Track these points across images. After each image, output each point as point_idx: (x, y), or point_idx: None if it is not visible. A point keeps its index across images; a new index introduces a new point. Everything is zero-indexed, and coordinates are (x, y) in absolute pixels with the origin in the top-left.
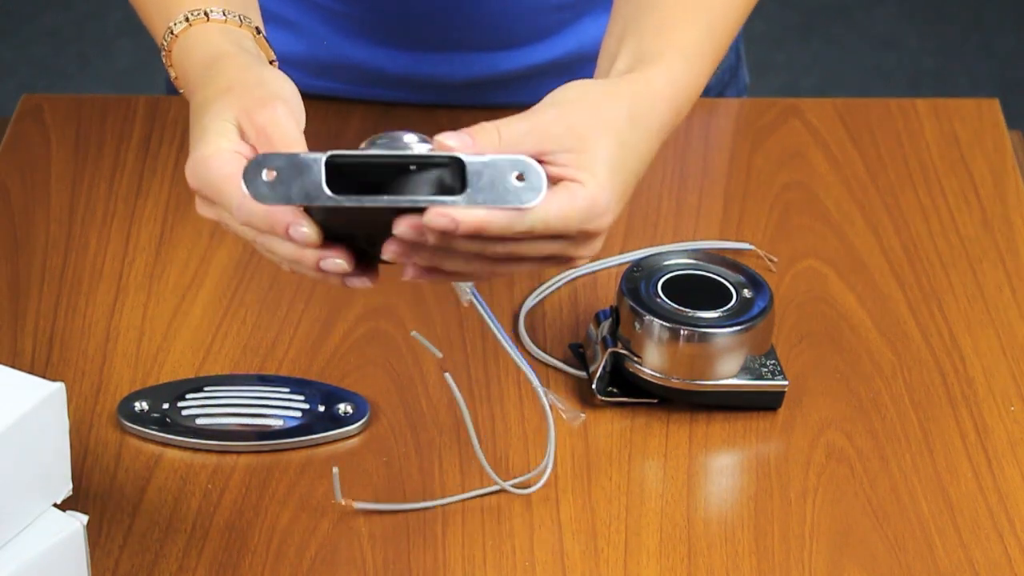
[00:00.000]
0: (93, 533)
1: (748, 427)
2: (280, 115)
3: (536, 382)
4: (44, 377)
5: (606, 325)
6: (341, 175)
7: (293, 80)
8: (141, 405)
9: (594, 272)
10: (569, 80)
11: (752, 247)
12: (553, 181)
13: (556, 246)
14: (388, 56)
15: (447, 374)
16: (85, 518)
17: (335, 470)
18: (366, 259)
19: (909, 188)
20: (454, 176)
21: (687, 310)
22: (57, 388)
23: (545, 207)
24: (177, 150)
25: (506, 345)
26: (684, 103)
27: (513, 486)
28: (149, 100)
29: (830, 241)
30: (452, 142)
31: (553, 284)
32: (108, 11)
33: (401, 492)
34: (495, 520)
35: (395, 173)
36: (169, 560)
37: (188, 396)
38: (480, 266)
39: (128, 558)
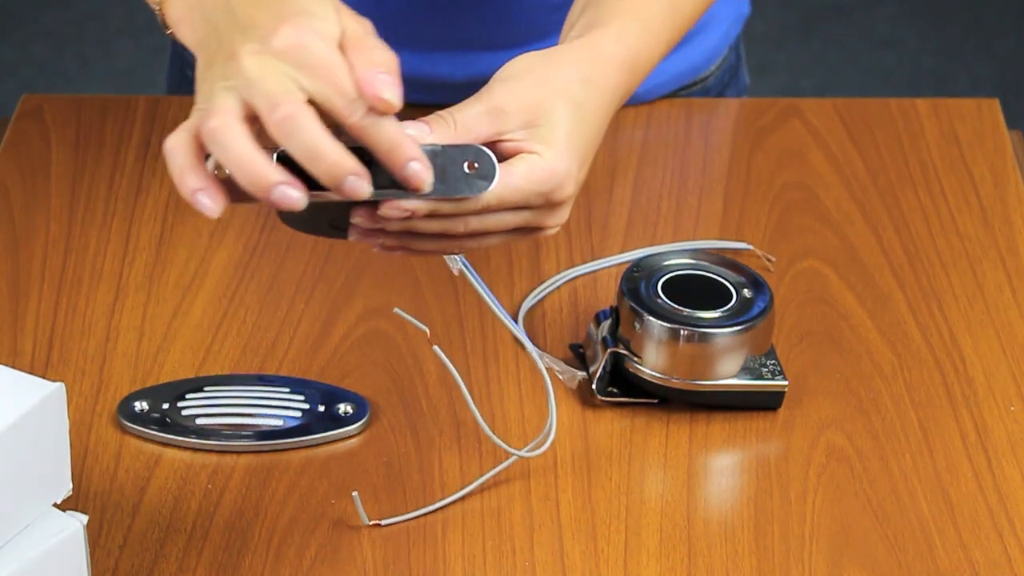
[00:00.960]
0: (93, 533)
1: (748, 427)
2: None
3: (530, 346)
4: (44, 377)
5: (606, 325)
6: (293, 168)
7: None
8: (141, 405)
9: (594, 272)
10: None
11: (751, 247)
12: (511, 154)
13: (521, 217)
14: None
15: (436, 347)
16: (85, 518)
17: (355, 495)
18: (341, 225)
19: (909, 188)
20: None
21: (687, 310)
22: (57, 388)
23: (502, 182)
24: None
25: (498, 312)
26: (639, 66)
27: (527, 452)
28: (149, 100)
29: (830, 241)
30: (410, 131)
31: (553, 284)
32: (108, 11)
33: (401, 492)
34: (495, 520)
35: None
36: (169, 560)
37: (188, 396)
38: (447, 243)
39: (128, 558)
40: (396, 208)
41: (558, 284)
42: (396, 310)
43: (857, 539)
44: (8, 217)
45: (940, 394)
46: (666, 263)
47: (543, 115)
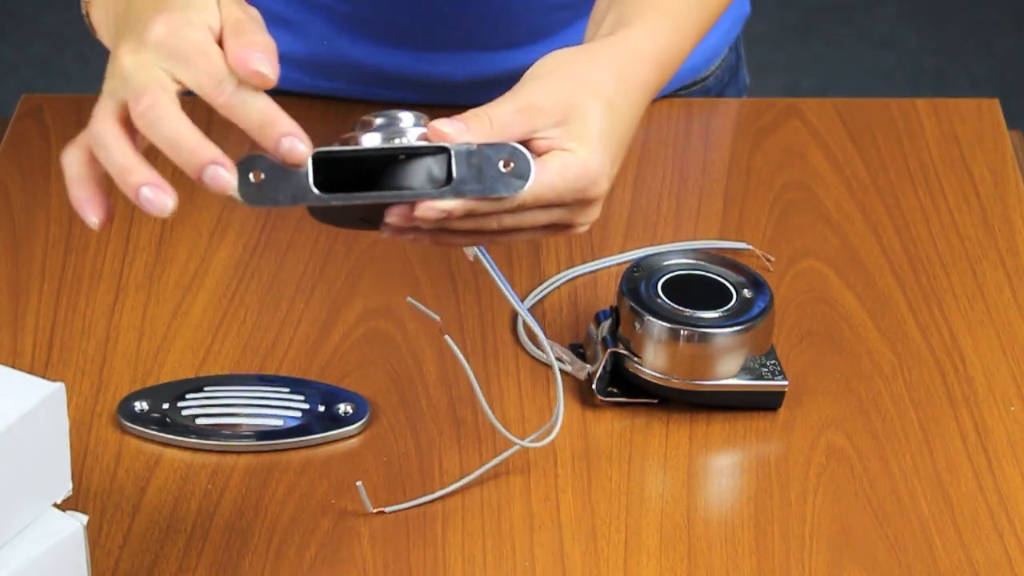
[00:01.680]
0: (93, 533)
1: (748, 427)
2: (256, 14)
3: (542, 335)
4: (44, 377)
5: (606, 325)
6: (329, 168)
7: (294, 80)
8: (141, 405)
9: (594, 272)
10: None
11: (750, 247)
12: (544, 152)
13: (554, 215)
14: (388, 56)
15: (447, 336)
16: (85, 518)
17: (359, 484)
18: (372, 220)
19: (909, 188)
20: (442, 164)
21: (687, 310)
22: (57, 388)
23: (536, 180)
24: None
25: (511, 298)
26: (669, 62)
27: (530, 441)
28: None
29: (830, 241)
30: (447, 129)
31: (553, 284)
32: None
33: (401, 492)
34: (495, 520)
35: (384, 162)
36: (169, 560)
37: (188, 396)
38: (479, 238)
39: (128, 558)
40: (433, 210)
41: (558, 284)
42: (409, 299)
43: (857, 539)
44: (8, 217)
45: (940, 394)
46: (666, 263)
47: (576, 113)
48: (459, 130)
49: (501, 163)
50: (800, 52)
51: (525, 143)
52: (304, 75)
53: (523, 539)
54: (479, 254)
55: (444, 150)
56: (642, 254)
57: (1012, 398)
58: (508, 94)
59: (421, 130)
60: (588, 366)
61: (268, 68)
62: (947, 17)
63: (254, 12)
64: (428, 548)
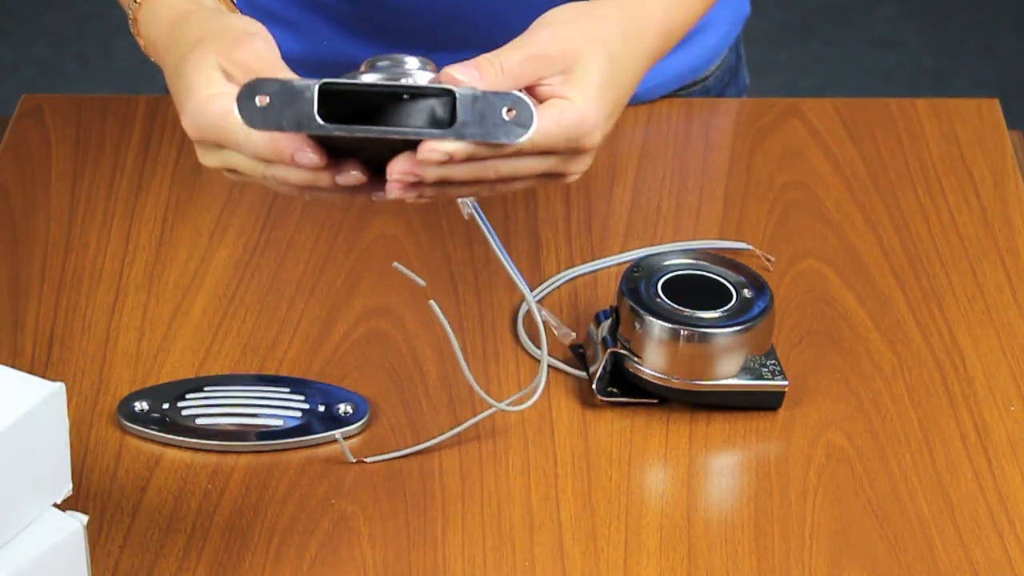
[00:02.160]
0: (93, 533)
1: (748, 427)
2: (258, 48)
3: (529, 296)
4: (44, 377)
5: (606, 325)
6: (334, 102)
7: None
8: (141, 405)
9: (594, 272)
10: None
11: (750, 247)
12: (544, 99)
13: (547, 163)
14: None
15: (432, 302)
16: (85, 518)
17: (338, 435)
18: (377, 176)
19: (909, 188)
20: (446, 107)
21: (687, 310)
22: (57, 388)
23: (542, 121)
24: (177, 150)
25: (503, 259)
26: (674, 32)
27: (508, 404)
28: (149, 100)
29: (830, 241)
30: (459, 75)
31: (553, 284)
32: (108, 11)
33: (401, 492)
34: (495, 520)
35: (388, 101)
36: (169, 560)
37: (188, 396)
38: (477, 188)
39: (128, 558)
40: (435, 151)
41: (558, 284)
42: (395, 264)
43: (857, 539)
44: (8, 217)
45: (940, 394)
46: (666, 263)
47: (579, 62)
48: (471, 76)
49: (504, 110)
50: (800, 52)
51: (528, 89)
52: (304, 75)
53: (523, 539)
54: (474, 213)
55: (449, 93)
56: (642, 254)
57: (1012, 398)
58: (518, 40)
59: (427, 74)
60: (572, 333)
61: (308, 159)
62: (947, 17)
63: (265, 54)
64: (428, 548)
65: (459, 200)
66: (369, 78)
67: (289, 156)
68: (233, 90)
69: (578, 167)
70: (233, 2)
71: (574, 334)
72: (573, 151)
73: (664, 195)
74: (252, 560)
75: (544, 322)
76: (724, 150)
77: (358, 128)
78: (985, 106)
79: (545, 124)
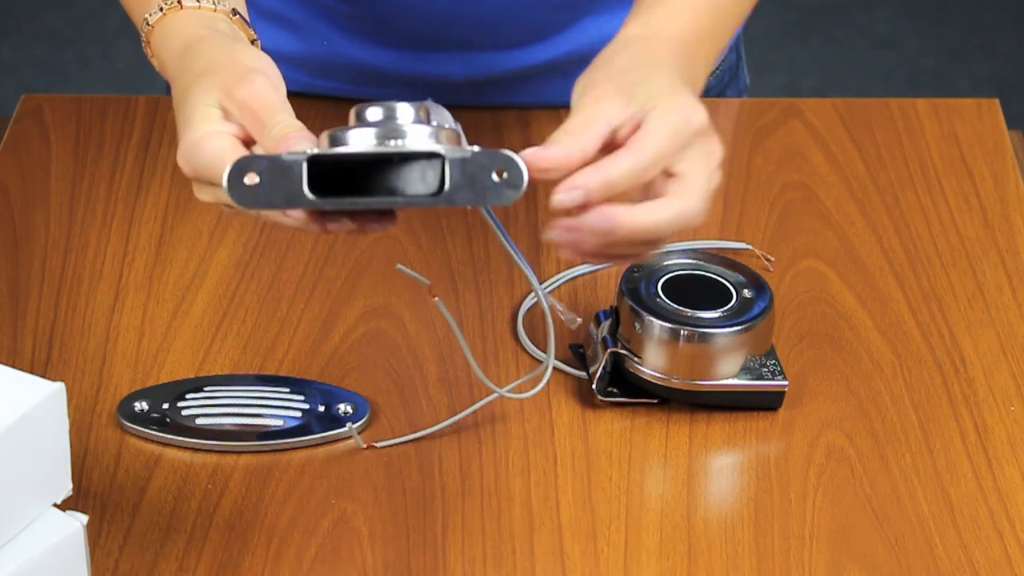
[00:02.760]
0: (93, 533)
1: (748, 427)
2: (259, 86)
3: (535, 281)
4: (44, 377)
5: (606, 325)
6: (323, 177)
7: (293, 80)
8: (141, 405)
9: (594, 272)
10: (568, 80)
11: (749, 247)
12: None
13: (693, 155)
14: (388, 56)
15: (437, 299)
16: (85, 518)
17: (352, 427)
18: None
19: (909, 188)
20: (436, 168)
21: (687, 310)
22: (57, 388)
23: (649, 132)
24: (177, 150)
25: (508, 247)
26: (696, 42)
27: (508, 391)
28: (149, 100)
29: (830, 241)
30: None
31: (553, 284)
32: (108, 11)
33: (401, 492)
34: (495, 520)
35: (378, 164)
36: (169, 560)
37: (188, 396)
38: (652, 247)
39: (128, 558)
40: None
41: (558, 284)
42: (399, 266)
43: (857, 539)
44: (8, 217)
45: (940, 394)
46: (666, 263)
47: (634, 88)
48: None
49: (494, 172)
50: (800, 52)
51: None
52: (304, 75)
53: (523, 539)
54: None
55: (438, 156)
56: None
57: (1012, 398)
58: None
59: (420, 127)
60: (578, 319)
61: (302, 143)
62: (947, 17)
63: (266, 91)
64: (428, 548)
65: None
66: (357, 140)
67: (279, 211)
68: (229, 128)
69: (713, 146)
70: (247, 22)
71: (579, 319)
72: (697, 134)
73: None
74: (252, 560)
75: (550, 307)
76: (724, 150)
77: (348, 201)
78: (985, 106)
79: (655, 125)
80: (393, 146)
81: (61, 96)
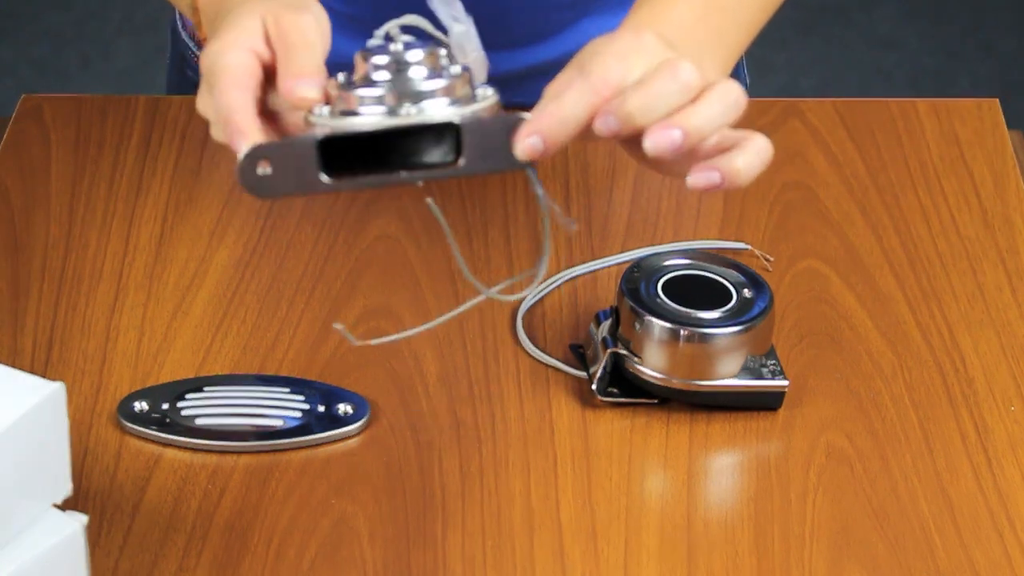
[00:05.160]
0: (93, 533)
1: (748, 427)
2: (305, 22)
3: (534, 178)
4: (44, 377)
5: (606, 325)
6: (336, 155)
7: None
8: (141, 405)
9: (594, 272)
10: None
11: (748, 247)
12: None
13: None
14: None
15: (429, 200)
16: (85, 518)
17: (339, 326)
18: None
19: (909, 188)
20: (451, 141)
21: (687, 310)
22: (57, 388)
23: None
24: (177, 150)
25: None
26: (689, 30)
27: (498, 292)
28: (149, 100)
29: (830, 241)
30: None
31: (553, 284)
32: (108, 11)
33: (401, 492)
34: (495, 520)
35: (391, 144)
36: (169, 560)
37: (188, 396)
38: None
39: (128, 558)
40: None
41: (558, 284)
42: (428, 201)
43: (857, 539)
44: (8, 217)
45: (940, 394)
46: (666, 263)
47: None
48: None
49: (510, 136)
50: (800, 52)
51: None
52: None
53: (523, 539)
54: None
55: (452, 124)
56: (642, 254)
57: (1012, 398)
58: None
59: (434, 84)
60: (574, 224)
61: (312, 91)
62: (947, 17)
63: (308, 29)
64: (428, 548)
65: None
66: (369, 116)
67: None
68: (257, 47)
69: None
70: None
71: (575, 225)
72: (663, 66)
73: (664, 195)
74: (252, 560)
75: (548, 207)
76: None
77: (363, 180)
78: (985, 106)
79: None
80: (405, 114)
81: (61, 96)
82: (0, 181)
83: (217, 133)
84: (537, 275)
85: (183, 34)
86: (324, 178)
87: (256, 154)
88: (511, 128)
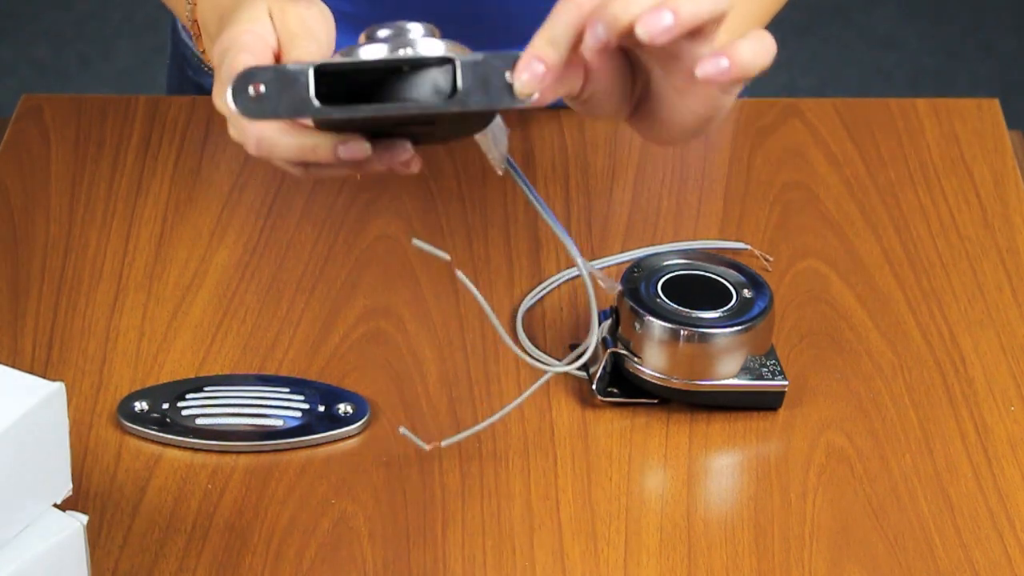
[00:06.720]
0: (93, 533)
1: (748, 427)
2: (309, 13)
3: (575, 251)
4: (44, 377)
5: (606, 325)
6: (331, 82)
7: None
8: (141, 405)
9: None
10: None
11: (748, 247)
12: None
13: None
14: None
15: (459, 271)
16: (85, 518)
17: (403, 430)
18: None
19: (909, 188)
20: (447, 76)
21: (687, 310)
22: (57, 388)
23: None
24: (177, 150)
25: (546, 217)
26: None
27: (562, 367)
28: (149, 100)
29: (830, 241)
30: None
31: (553, 284)
32: (108, 11)
33: (401, 492)
34: (495, 520)
35: (387, 75)
36: (169, 560)
37: (188, 396)
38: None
39: (128, 558)
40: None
41: (558, 284)
42: (415, 241)
43: (857, 539)
44: (8, 217)
45: (940, 394)
46: (666, 263)
47: None
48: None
49: (507, 74)
50: (800, 52)
51: None
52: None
53: (523, 539)
54: (509, 168)
55: (448, 61)
56: (642, 254)
57: (1012, 398)
58: None
59: (433, 41)
60: (617, 285)
61: None
62: (947, 17)
63: (312, 20)
64: (428, 548)
65: (491, 154)
66: (366, 53)
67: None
68: (267, 33)
69: None
70: None
71: (619, 285)
72: None
73: (664, 195)
74: (252, 560)
75: (589, 274)
76: (724, 150)
77: (357, 108)
78: (985, 106)
79: None
80: (403, 54)
81: (61, 96)
82: (0, 181)
83: (235, 132)
84: (590, 344)
85: (183, 34)
86: (316, 103)
87: (250, 75)
88: (508, 64)
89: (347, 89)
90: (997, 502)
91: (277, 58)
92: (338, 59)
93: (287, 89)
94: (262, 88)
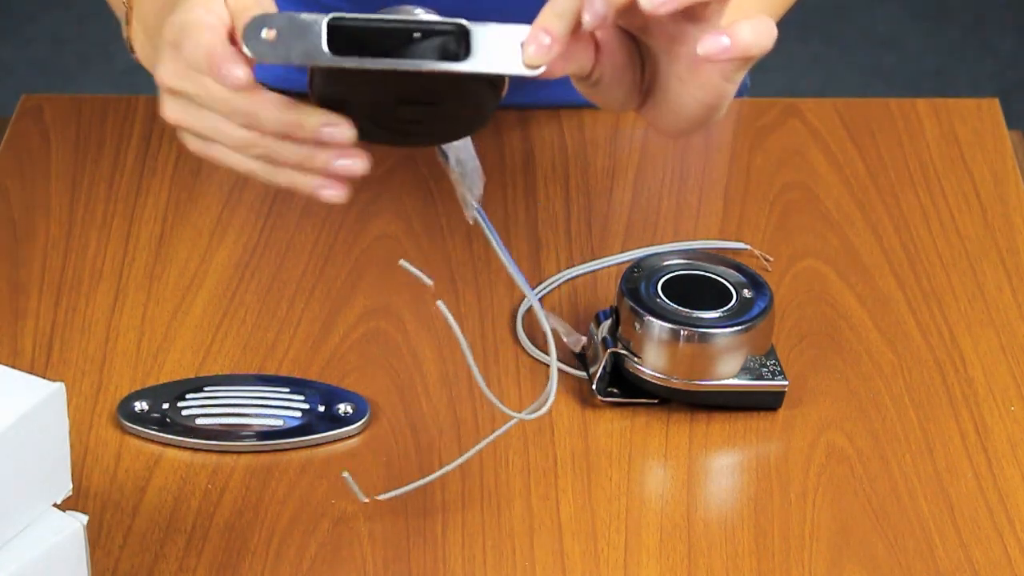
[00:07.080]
0: (93, 533)
1: (748, 427)
2: None
3: (535, 300)
4: (44, 377)
5: (606, 325)
6: (343, 41)
7: (292, 79)
8: (141, 405)
9: (594, 272)
10: (567, 80)
11: (748, 247)
12: None
13: None
14: None
15: (440, 302)
16: (85, 518)
17: (346, 475)
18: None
19: (909, 188)
20: (459, 43)
21: (687, 310)
22: (57, 388)
23: None
24: (177, 150)
25: (507, 263)
26: None
27: (528, 414)
28: (149, 100)
29: (830, 241)
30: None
31: (553, 284)
32: (108, 11)
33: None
34: (495, 520)
35: (399, 41)
36: (169, 560)
37: (188, 396)
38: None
39: (128, 558)
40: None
41: (558, 284)
42: (401, 262)
43: (857, 539)
44: (8, 217)
45: (940, 394)
46: (666, 263)
47: None
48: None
49: (520, 42)
50: (800, 52)
51: None
52: (304, 74)
53: (523, 539)
54: (477, 216)
55: (462, 28)
56: (642, 254)
57: (1012, 398)
58: None
59: (438, 17)
60: (583, 338)
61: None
62: (947, 17)
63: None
64: (428, 548)
65: (464, 202)
66: (379, 18)
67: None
68: (223, 19)
69: None
70: None
71: (584, 339)
72: None
73: (664, 195)
74: (252, 560)
75: (552, 330)
76: (724, 150)
77: (368, 61)
78: (985, 106)
79: None
80: (415, 20)
81: (61, 96)
82: (0, 181)
83: (192, 143)
84: (548, 395)
85: None
86: (327, 51)
87: (264, 21)
88: (518, 35)
89: (355, 50)
90: (997, 502)
91: (232, 37)
92: (353, 15)
93: (300, 37)
94: (275, 34)
